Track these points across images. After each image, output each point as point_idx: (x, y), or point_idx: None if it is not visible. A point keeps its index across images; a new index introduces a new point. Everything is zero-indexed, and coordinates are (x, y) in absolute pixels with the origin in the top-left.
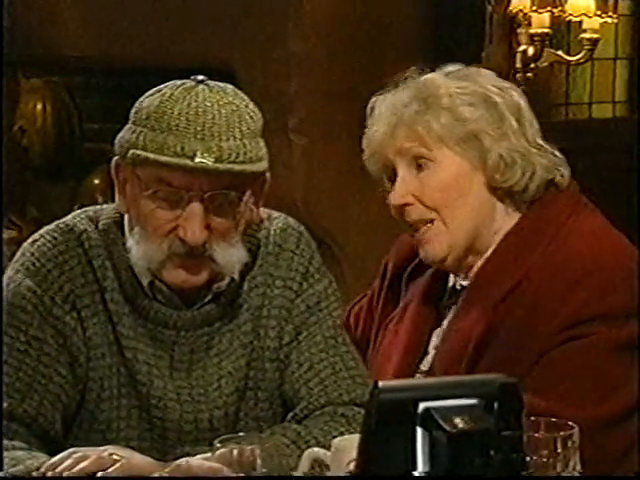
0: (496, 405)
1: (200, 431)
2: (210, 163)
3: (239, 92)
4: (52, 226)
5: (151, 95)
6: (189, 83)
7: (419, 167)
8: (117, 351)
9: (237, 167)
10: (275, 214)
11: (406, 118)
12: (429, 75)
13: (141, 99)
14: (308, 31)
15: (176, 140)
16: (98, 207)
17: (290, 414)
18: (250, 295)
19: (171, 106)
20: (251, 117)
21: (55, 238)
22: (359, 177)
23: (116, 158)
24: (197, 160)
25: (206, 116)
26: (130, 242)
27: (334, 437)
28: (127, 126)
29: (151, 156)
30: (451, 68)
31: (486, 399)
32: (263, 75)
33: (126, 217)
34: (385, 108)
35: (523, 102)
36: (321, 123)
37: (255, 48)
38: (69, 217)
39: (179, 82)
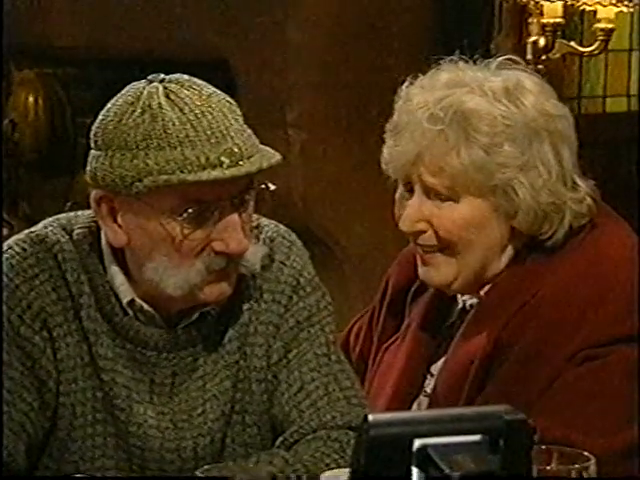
0: (502, 443)
1: (183, 460)
2: (244, 167)
3: (200, 80)
4: (21, 236)
5: (127, 112)
6: (155, 86)
7: (438, 195)
8: (93, 373)
9: (264, 162)
10: (265, 221)
11: (436, 149)
12: (475, 99)
13: (110, 120)
14: (307, 20)
15: (195, 152)
16: (72, 214)
17: (279, 439)
18: (236, 311)
19: (167, 117)
20: (232, 103)
21: (24, 250)
22: (361, 174)
23: (97, 192)
24: (226, 166)
25: (206, 117)
26: (151, 273)
27: (326, 464)
28: (106, 154)
29: (176, 178)
30: (494, 84)
31: (491, 436)
32: (260, 67)
33: (103, 240)
34: (415, 118)
35: (568, 130)
36: (321, 117)
37: (251, 38)
38: (40, 226)
39: (140, 87)
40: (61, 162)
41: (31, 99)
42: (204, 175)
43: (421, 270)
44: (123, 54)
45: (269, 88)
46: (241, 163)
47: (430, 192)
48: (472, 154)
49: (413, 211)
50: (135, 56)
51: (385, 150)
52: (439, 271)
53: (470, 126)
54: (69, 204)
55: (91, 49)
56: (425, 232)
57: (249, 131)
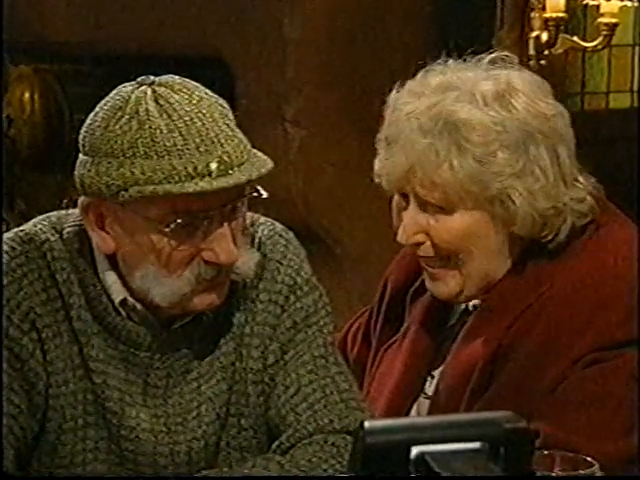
0: (502, 451)
1: (177, 465)
2: (233, 178)
3: (192, 82)
4: (10, 234)
5: (114, 117)
6: (144, 90)
7: (433, 207)
8: (84, 375)
9: (254, 172)
10: (261, 219)
11: (427, 162)
12: (465, 107)
13: (98, 125)
14: (306, 16)
15: (183, 161)
16: (63, 212)
17: (275, 443)
18: (232, 311)
19: (155, 125)
20: (224, 106)
21: (13, 248)
22: (360, 171)
23: (85, 198)
24: (214, 176)
25: (196, 124)
26: (140, 281)
27: (323, 470)
28: (92, 161)
29: (162, 188)
30: (485, 87)
31: (491, 443)
32: (258, 63)
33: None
34: (405, 129)
35: (565, 128)
36: (320, 114)
37: (249, 35)
38: (30, 224)
39: (128, 91)
40: (57, 158)
41: (27, 95)
42: (191, 186)
43: (429, 284)
44: (120, 50)
45: (268, 85)
46: (231, 172)
47: (425, 204)
48: (465, 166)
49: (410, 223)
50: (132, 52)
51: (377, 162)
52: (446, 285)
53: (461, 137)
54: (65, 201)
55: (88, 45)
56: (423, 243)
57: (240, 136)
